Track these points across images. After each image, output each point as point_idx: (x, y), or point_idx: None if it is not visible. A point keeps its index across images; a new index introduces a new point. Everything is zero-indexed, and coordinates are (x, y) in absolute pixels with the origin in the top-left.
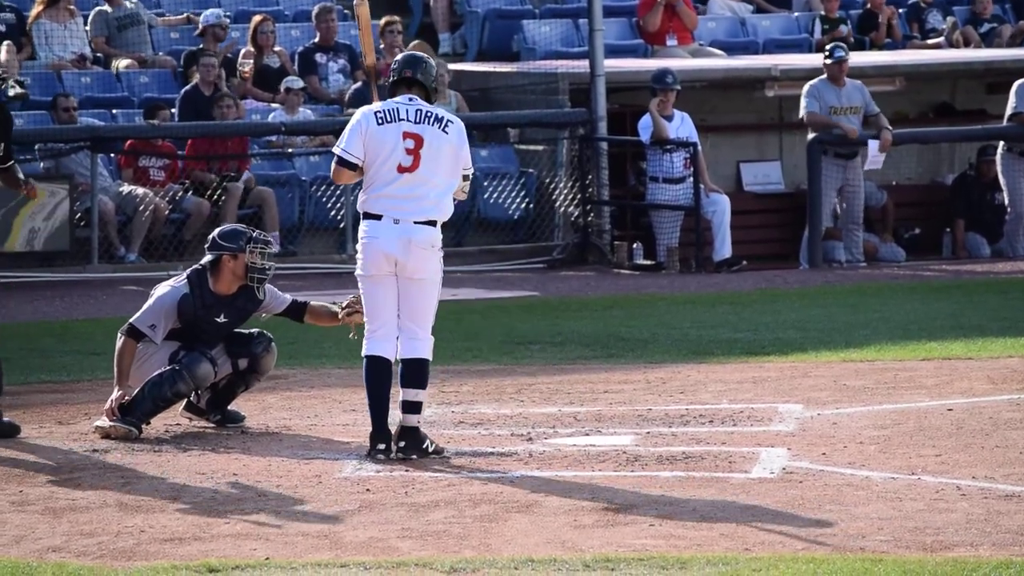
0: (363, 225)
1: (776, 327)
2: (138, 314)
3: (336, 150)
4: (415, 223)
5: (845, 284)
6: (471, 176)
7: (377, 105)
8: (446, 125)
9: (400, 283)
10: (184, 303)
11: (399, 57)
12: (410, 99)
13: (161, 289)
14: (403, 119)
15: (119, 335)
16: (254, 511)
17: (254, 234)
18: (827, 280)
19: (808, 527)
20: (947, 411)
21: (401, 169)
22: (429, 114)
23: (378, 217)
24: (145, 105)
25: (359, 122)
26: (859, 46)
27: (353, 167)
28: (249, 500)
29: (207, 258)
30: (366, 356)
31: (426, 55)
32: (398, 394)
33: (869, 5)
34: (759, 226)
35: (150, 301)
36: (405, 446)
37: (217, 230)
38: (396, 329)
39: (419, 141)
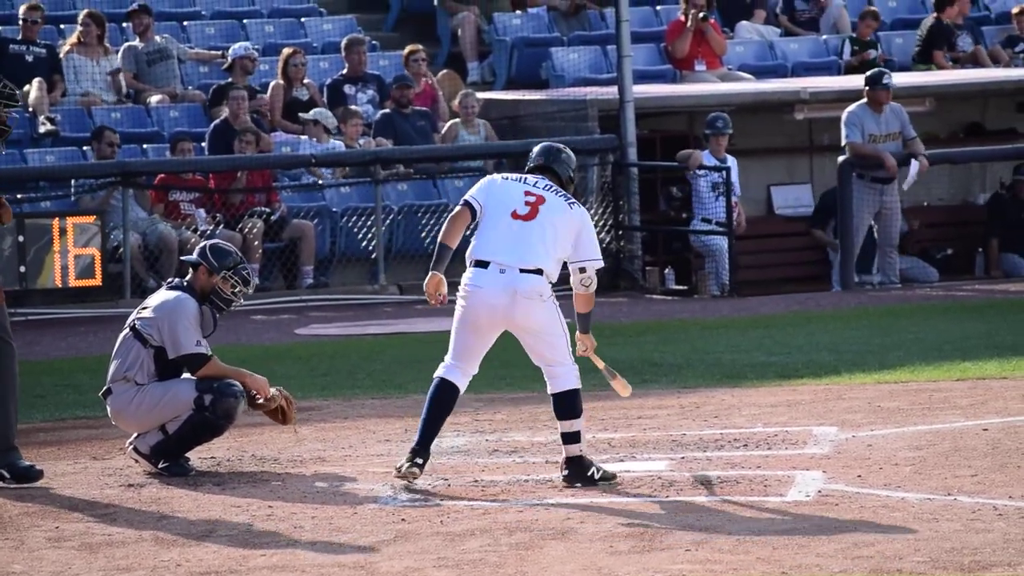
0: (468, 273)
1: (810, 350)
2: (181, 341)
3: (465, 196)
4: (521, 271)
5: (878, 306)
6: (589, 269)
7: (506, 173)
8: (572, 204)
9: (517, 333)
10: (203, 314)
11: (537, 147)
12: (543, 178)
13: (171, 306)
14: (529, 184)
15: (191, 372)
16: (290, 543)
17: (239, 265)
18: (860, 302)
19: (845, 549)
20: (982, 431)
21: (516, 216)
22: (558, 191)
23: (485, 265)
24: (173, 139)
25: (487, 179)
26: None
27: (472, 212)
28: (284, 532)
29: (191, 259)
30: (437, 377)
31: (564, 147)
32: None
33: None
34: (791, 249)
35: (176, 323)
36: (569, 475)
37: (212, 242)
38: (475, 370)
39: (540, 200)
